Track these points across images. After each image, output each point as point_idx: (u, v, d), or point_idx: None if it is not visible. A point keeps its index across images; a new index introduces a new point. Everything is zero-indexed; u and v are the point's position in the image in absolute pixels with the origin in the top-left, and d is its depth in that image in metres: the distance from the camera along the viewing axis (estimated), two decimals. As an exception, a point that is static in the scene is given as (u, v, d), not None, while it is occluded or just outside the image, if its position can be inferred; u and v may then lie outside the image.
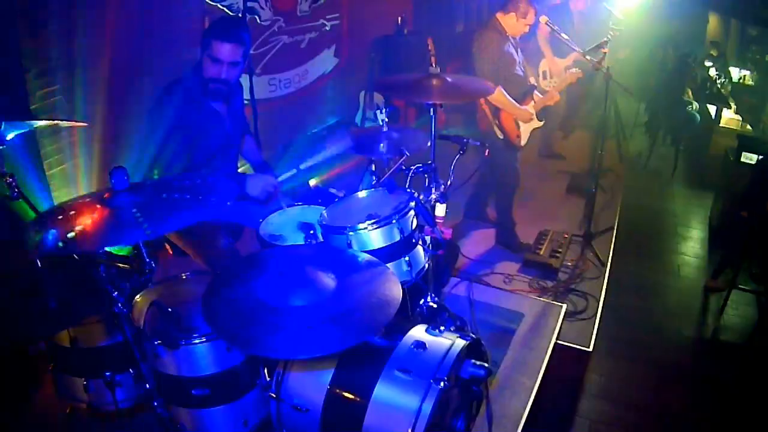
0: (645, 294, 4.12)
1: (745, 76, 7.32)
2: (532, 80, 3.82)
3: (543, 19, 3.77)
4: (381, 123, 2.72)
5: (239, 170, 3.13)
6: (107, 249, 1.75)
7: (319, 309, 1.58)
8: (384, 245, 2.17)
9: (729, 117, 6.16)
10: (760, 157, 4.57)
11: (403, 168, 2.53)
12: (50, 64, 2.64)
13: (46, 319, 1.93)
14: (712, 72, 6.70)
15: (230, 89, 2.57)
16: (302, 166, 2.73)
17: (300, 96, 4.61)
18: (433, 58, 4.14)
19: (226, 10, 3.67)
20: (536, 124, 3.77)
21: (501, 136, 3.65)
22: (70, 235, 1.42)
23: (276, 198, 2.74)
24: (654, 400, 3.12)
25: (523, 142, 3.76)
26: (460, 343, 1.86)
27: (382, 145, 2.67)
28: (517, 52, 3.68)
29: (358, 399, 1.75)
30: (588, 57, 3.80)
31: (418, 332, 1.92)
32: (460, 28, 7.68)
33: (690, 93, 6.56)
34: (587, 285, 3.60)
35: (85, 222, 1.47)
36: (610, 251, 4.05)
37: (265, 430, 2.05)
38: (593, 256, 3.89)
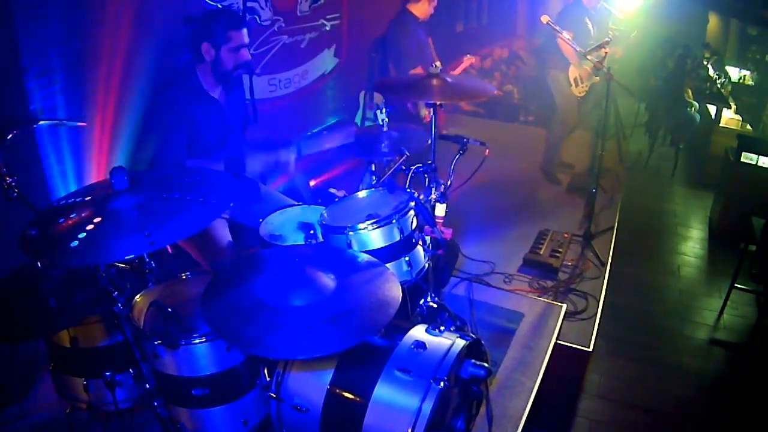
0: (645, 294, 4.12)
1: (744, 76, 7.33)
2: (438, 64, 4.13)
3: (544, 18, 3.77)
4: (381, 123, 2.72)
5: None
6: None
7: (318, 309, 1.59)
8: (384, 245, 2.18)
9: (729, 117, 6.15)
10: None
11: (403, 168, 2.53)
12: (50, 64, 2.64)
13: (46, 319, 1.93)
14: (712, 72, 6.70)
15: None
16: (304, 152, 2.75)
17: (300, 96, 4.60)
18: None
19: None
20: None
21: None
22: (74, 244, 1.41)
23: (285, 172, 2.76)
24: (654, 400, 3.12)
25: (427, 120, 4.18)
26: (460, 343, 1.85)
27: (382, 145, 2.67)
28: (426, 38, 4.20)
29: (358, 399, 1.75)
30: (589, 57, 3.80)
31: (418, 332, 1.92)
32: (460, 28, 7.68)
33: (690, 93, 6.56)
34: (587, 285, 3.60)
35: (87, 228, 1.46)
36: (610, 251, 4.04)
37: (265, 430, 2.04)
38: (593, 256, 3.89)
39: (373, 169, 2.87)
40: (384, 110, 2.72)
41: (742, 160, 4.70)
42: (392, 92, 3.00)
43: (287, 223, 2.55)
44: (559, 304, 3.30)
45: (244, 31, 2.53)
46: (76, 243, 1.42)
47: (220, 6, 3.51)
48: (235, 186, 1.79)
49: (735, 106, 6.31)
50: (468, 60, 4.36)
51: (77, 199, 1.66)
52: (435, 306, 2.57)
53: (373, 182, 2.80)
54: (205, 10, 2.65)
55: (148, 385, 1.83)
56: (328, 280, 1.71)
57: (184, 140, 2.52)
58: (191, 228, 1.50)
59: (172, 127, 2.47)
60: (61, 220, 1.54)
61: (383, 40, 4.31)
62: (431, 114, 3.85)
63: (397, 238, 2.19)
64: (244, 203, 2.72)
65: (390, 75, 4.29)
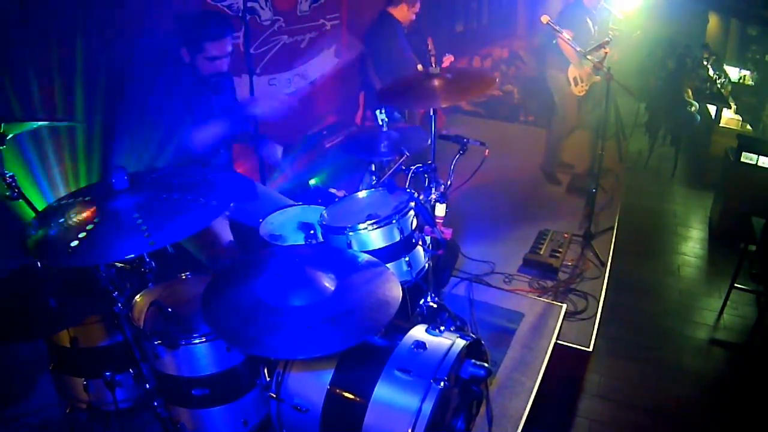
0: (645, 294, 4.12)
1: (745, 76, 7.32)
2: (420, 68, 4.27)
3: (544, 18, 3.77)
4: (381, 123, 2.72)
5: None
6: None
7: (319, 309, 1.59)
8: (384, 245, 2.18)
9: (729, 117, 6.15)
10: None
11: (403, 168, 2.53)
12: (50, 64, 2.64)
13: (46, 319, 1.93)
14: (712, 72, 6.70)
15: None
16: (305, 152, 2.78)
17: (300, 96, 4.60)
18: (433, 58, 4.16)
19: (226, 11, 3.67)
20: None
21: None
22: (73, 244, 1.41)
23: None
24: (654, 400, 3.12)
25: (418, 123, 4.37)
26: (460, 343, 1.86)
27: (382, 145, 2.67)
28: (407, 42, 4.21)
29: (358, 399, 1.75)
30: (589, 57, 3.80)
31: (418, 332, 1.92)
32: (460, 28, 7.68)
33: (690, 93, 6.55)
34: (587, 285, 3.60)
35: (87, 228, 1.46)
36: (610, 251, 4.05)
37: (265, 430, 2.05)
38: (593, 256, 3.89)
39: (373, 169, 2.87)
40: (384, 110, 2.72)
41: (742, 160, 4.69)
42: (395, 99, 2.94)
43: (287, 223, 2.55)
44: (559, 304, 3.30)
45: (221, 42, 2.46)
46: (76, 243, 1.42)
47: (222, 7, 3.52)
48: (234, 185, 1.79)
49: (735, 106, 6.30)
50: (447, 59, 4.39)
51: (77, 199, 1.66)
52: (435, 306, 2.57)
53: (373, 182, 2.80)
54: (190, 13, 2.64)
55: (148, 385, 1.83)
56: (328, 280, 1.71)
57: (185, 141, 2.52)
58: (191, 228, 1.50)
59: (172, 127, 2.47)
60: (61, 220, 1.54)
61: (364, 44, 4.28)
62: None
63: (397, 238, 2.19)
64: (243, 203, 2.72)
65: (372, 82, 4.26)
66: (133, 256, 1.47)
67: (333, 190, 3.13)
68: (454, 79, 2.65)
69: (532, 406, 2.53)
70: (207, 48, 2.44)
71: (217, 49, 2.45)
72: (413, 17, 4.19)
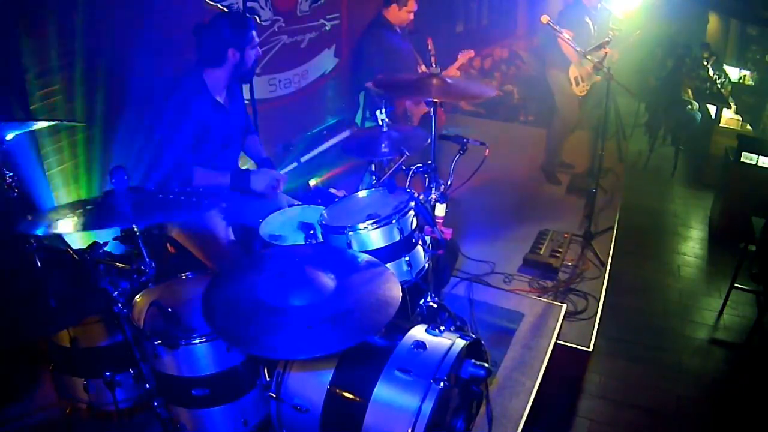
0: (645, 294, 4.12)
1: (745, 76, 7.33)
2: (423, 68, 4.20)
3: (544, 18, 3.77)
4: (381, 123, 2.72)
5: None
6: (107, 249, 1.75)
7: (319, 309, 1.58)
8: (384, 245, 2.17)
9: (729, 117, 6.16)
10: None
11: (403, 168, 2.53)
12: (50, 64, 2.64)
13: (46, 319, 1.93)
14: (712, 72, 6.71)
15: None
16: (303, 159, 2.76)
17: (300, 96, 4.60)
18: (433, 58, 4.16)
19: (226, 11, 3.67)
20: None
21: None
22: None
23: (277, 194, 2.76)
24: (654, 400, 3.12)
25: (415, 123, 4.29)
26: (460, 343, 1.85)
27: (382, 145, 2.67)
28: (404, 43, 4.13)
29: (358, 399, 1.75)
30: (589, 57, 3.80)
31: (418, 332, 1.92)
32: (460, 28, 7.68)
33: (690, 93, 6.56)
34: (587, 285, 3.60)
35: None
36: (610, 251, 4.04)
37: (265, 430, 2.04)
38: (593, 256, 3.89)
39: (373, 169, 2.87)
40: (384, 110, 2.71)
41: (742, 160, 4.70)
42: (393, 90, 2.98)
43: (287, 223, 2.55)
44: (559, 304, 3.30)
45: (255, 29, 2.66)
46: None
47: (221, 8, 3.52)
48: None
49: (735, 106, 6.31)
50: (465, 55, 4.32)
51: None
52: (435, 306, 2.57)
53: (373, 182, 2.80)
54: (216, 15, 2.67)
55: (148, 385, 1.83)
56: (328, 280, 1.71)
57: (190, 142, 2.53)
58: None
59: (178, 128, 2.48)
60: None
61: (355, 49, 4.23)
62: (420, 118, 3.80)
63: (397, 238, 2.19)
64: (244, 202, 2.72)
65: (367, 86, 4.23)
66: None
67: (333, 190, 3.13)
68: (452, 83, 2.67)
69: (532, 406, 2.53)
70: (253, 36, 2.59)
71: (257, 36, 2.62)
72: (409, 17, 4.09)
